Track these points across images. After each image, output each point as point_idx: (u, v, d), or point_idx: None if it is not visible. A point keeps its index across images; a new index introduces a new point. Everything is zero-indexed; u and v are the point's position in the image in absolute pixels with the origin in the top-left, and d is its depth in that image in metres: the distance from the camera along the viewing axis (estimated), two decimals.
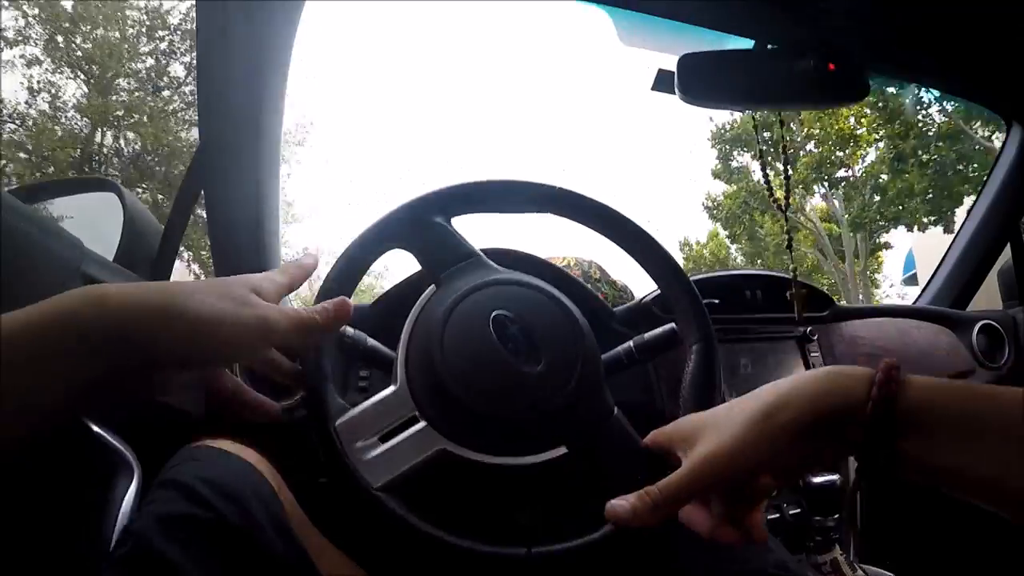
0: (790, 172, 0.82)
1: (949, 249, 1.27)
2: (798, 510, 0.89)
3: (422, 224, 0.58)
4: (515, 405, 0.51)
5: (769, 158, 0.85)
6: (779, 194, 0.83)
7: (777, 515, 0.89)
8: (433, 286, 0.57)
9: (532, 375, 0.51)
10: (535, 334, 0.53)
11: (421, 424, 0.52)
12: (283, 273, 0.50)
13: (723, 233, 14.14)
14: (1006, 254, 1.26)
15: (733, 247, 14.26)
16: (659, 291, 0.65)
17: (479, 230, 0.65)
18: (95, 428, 0.59)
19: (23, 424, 0.33)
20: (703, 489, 0.43)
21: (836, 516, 0.81)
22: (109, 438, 0.60)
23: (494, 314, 0.53)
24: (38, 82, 8.78)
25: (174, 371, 0.42)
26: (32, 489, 0.59)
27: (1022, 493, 0.34)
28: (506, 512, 0.64)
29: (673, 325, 0.62)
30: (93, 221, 0.81)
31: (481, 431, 0.52)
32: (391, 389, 0.54)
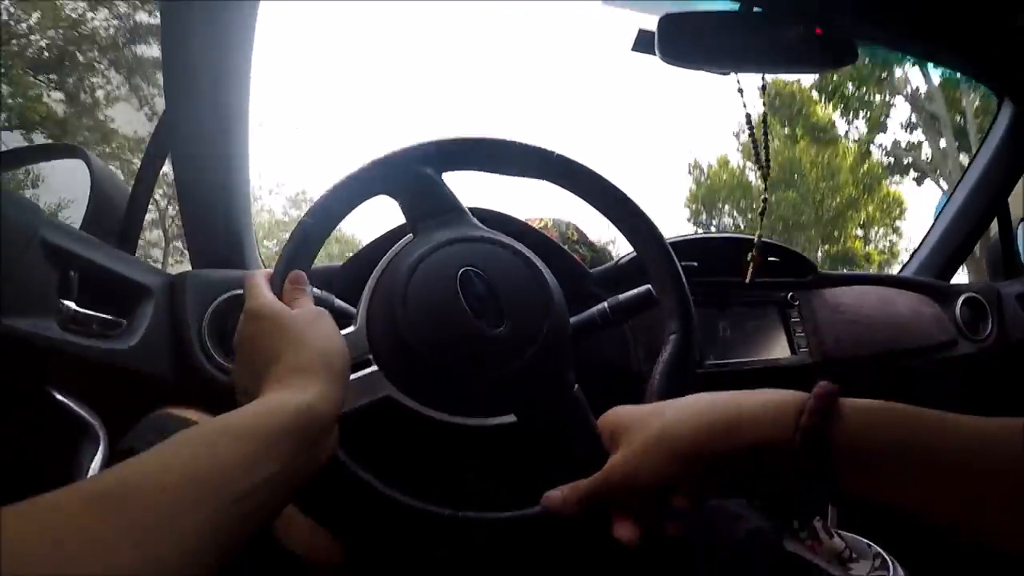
0: (769, 143, 0.81)
1: (936, 220, 1.27)
2: None
3: (412, 172, 0.57)
4: (468, 364, 0.50)
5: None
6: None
7: None
8: (410, 235, 0.57)
9: (491, 336, 0.50)
10: (502, 296, 0.52)
11: (372, 368, 0.52)
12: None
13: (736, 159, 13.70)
14: (993, 228, 1.26)
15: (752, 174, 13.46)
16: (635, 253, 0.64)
17: (457, 187, 0.64)
18: (59, 396, 0.58)
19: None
20: (615, 497, 0.42)
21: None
22: (73, 406, 0.59)
23: (463, 270, 0.52)
24: None
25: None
26: None
27: (979, 526, 0.31)
28: (448, 472, 0.63)
29: (649, 287, 0.61)
30: (60, 188, 0.79)
31: (430, 385, 0.52)
32: (350, 329, 0.53)
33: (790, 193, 12.07)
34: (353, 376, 0.50)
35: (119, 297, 0.66)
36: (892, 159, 11.16)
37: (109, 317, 0.64)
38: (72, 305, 0.60)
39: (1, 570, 0.21)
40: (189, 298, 0.70)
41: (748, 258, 0.86)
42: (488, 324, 0.51)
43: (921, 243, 1.29)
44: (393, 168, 0.56)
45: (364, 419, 0.51)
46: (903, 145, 10.85)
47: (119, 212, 0.77)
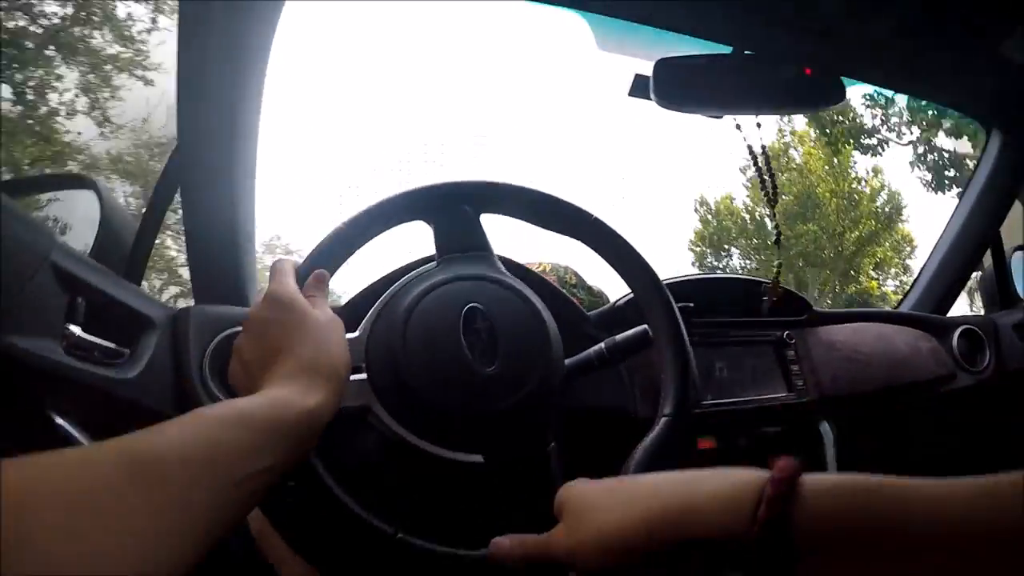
0: (773, 172, 0.83)
1: (930, 255, 1.28)
2: None
3: (453, 205, 0.59)
4: (453, 396, 0.52)
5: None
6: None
7: None
8: (434, 264, 0.59)
9: (481, 375, 0.52)
10: (501, 339, 0.53)
11: (361, 376, 0.53)
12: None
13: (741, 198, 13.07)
14: (987, 260, 1.27)
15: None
16: (633, 295, 0.65)
17: None
18: (58, 419, 0.58)
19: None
20: (555, 566, 0.40)
21: None
22: (72, 430, 0.59)
23: (469, 306, 0.53)
24: None
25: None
26: None
27: None
28: (410, 495, 0.62)
29: (645, 327, 0.62)
30: (70, 217, 0.81)
31: (412, 407, 0.52)
32: (352, 335, 0.54)
33: (809, 226, 11.61)
34: None
35: (123, 327, 0.67)
36: (932, 173, 10.55)
37: (112, 345, 0.65)
38: (77, 330, 0.60)
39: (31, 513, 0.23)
40: (192, 333, 0.71)
41: (763, 292, 0.87)
42: (481, 362, 0.52)
43: (917, 278, 1.30)
44: (438, 198, 0.59)
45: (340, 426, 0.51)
46: (947, 156, 10.22)
47: (126, 243, 0.79)
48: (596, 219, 0.62)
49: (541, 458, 0.54)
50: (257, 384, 0.43)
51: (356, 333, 0.55)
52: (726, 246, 12.91)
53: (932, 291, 1.26)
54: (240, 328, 0.72)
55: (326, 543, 0.65)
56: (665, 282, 0.63)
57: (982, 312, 1.35)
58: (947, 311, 1.26)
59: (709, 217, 12.94)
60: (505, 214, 0.62)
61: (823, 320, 1.02)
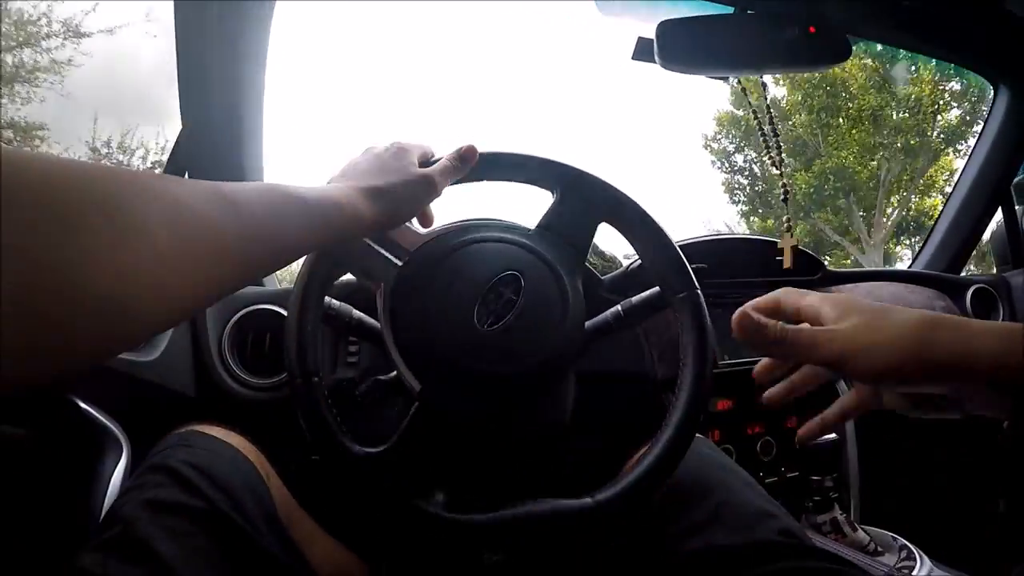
0: (777, 131, 0.82)
1: (941, 214, 1.27)
2: (796, 473, 0.89)
3: (584, 196, 0.60)
4: (458, 352, 0.52)
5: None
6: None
7: (775, 478, 0.89)
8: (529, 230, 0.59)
9: (475, 331, 0.52)
10: (520, 311, 0.53)
11: (398, 262, 0.54)
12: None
13: None
14: (998, 218, 1.26)
15: None
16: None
17: (461, 199, 0.65)
18: (83, 405, 0.59)
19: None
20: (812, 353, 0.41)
21: (834, 476, 0.81)
22: (97, 415, 0.60)
23: (509, 272, 0.54)
24: None
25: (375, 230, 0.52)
26: (21, 463, 0.59)
27: None
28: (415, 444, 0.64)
29: (658, 288, 0.62)
30: None
31: (400, 318, 0.53)
32: (423, 229, 0.57)
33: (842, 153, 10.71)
34: (381, 251, 0.54)
35: None
36: None
37: None
38: None
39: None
40: (209, 313, 0.72)
41: (779, 245, 0.87)
42: (485, 322, 0.52)
43: (928, 237, 1.29)
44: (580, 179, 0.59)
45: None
46: None
47: None
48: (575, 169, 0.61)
49: (552, 424, 0.54)
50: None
51: (424, 230, 0.57)
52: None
53: (945, 249, 1.25)
54: (254, 307, 0.73)
55: (353, 518, 0.66)
56: (679, 243, 0.63)
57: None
58: (960, 270, 1.25)
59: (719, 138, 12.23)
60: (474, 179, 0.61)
61: (837, 279, 1.01)
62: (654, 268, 0.60)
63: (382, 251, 0.55)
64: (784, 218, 0.86)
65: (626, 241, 0.63)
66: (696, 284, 0.59)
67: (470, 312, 0.52)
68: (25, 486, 0.62)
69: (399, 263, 0.54)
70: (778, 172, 0.81)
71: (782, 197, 0.85)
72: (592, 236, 0.59)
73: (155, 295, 0.28)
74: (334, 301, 0.61)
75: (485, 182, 0.59)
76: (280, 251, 0.39)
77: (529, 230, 0.58)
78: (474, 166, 0.56)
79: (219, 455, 0.56)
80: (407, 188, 0.50)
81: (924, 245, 1.30)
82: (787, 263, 0.86)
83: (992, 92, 1.18)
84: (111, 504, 0.52)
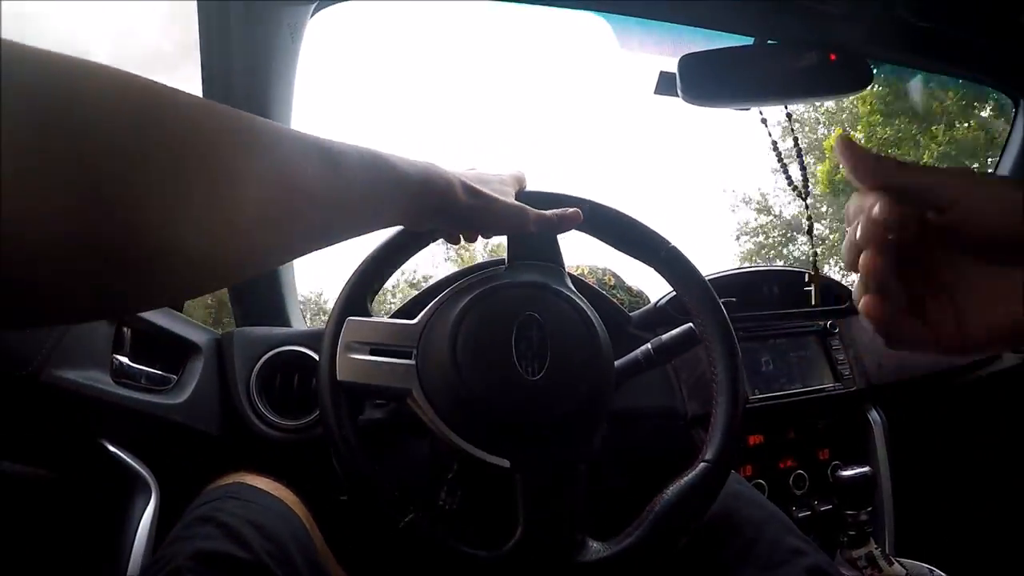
0: (804, 162, 0.82)
1: None
2: (830, 506, 0.87)
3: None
4: (496, 397, 0.51)
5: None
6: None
7: (808, 512, 0.87)
8: (503, 267, 0.59)
9: (526, 383, 0.51)
10: (551, 352, 0.53)
11: (410, 361, 0.53)
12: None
13: None
14: None
15: None
16: (674, 293, 0.64)
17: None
18: (111, 448, 0.59)
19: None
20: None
21: (869, 509, 0.80)
22: (126, 458, 0.60)
23: (527, 314, 0.53)
24: None
25: (456, 229, 0.54)
26: (49, 507, 0.59)
27: None
28: (426, 482, 0.62)
29: (690, 325, 0.61)
30: None
31: (444, 402, 0.52)
32: (411, 321, 0.55)
33: None
34: (391, 359, 0.53)
35: (169, 353, 0.68)
36: None
37: (159, 372, 0.66)
38: (125, 360, 0.61)
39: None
40: (237, 355, 0.72)
41: (806, 279, 0.86)
42: (528, 371, 0.52)
43: None
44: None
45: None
46: None
47: None
48: (671, 246, 0.62)
49: (571, 474, 0.53)
50: None
51: (415, 320, 0.55)
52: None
53: None
54: (282, 349, 0.73)
55: (376, 563, 0.65)
56: (708, 278, 0.62)
57: None
58: None
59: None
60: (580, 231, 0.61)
61: None
62: (688, 304, 0.60)
63: (389, 360, 0.55)
64: (810, 252, 0.86)
65: (655, 277, 0.63)
66: (728, 319, 0.59)
67: (511, 364, 0.51)
68: (54, 529, 0.62)
69: (412, 363, 0.54)
70: (804, 205, 0.81)
71: (807, 230, 0.85)
72: (556, 244, 0.60)
73: (239, 245, 0.27)
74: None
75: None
76: (371, 217, 0.39)
77: (503, 263, 0.58)
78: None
79: (268, 508, 0.56)
80: (502, 207, 0.50)
81: None
82: (815, 300, 0.85)
83: (1013, 108, 1.16)
84: (155, 551, 0.51)
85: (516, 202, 0.52)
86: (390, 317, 0.62)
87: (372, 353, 0.54)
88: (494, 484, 0.55)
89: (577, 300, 0.56)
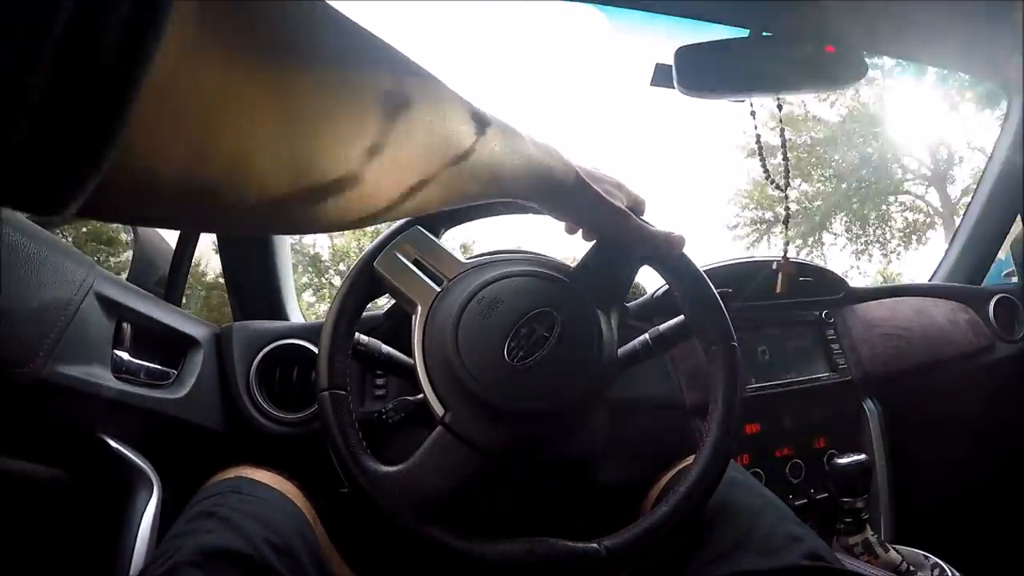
0: (788, 155, 0.83)
1: (960, 224, 1.26)
2: (826, 494, 0.88)
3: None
4: (484, 385, 0.51)
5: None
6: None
7: (805, 500, 0.88)
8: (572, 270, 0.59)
9: (505, 366, 0.51)
10: (550, 349, 0.53)
11: (437, 288, 0.55)
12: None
13: None
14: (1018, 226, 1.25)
15: None
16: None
17: (484, 233, 0.65)
18: (113, 443, 0.59)
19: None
20: None
21: (865, 496, 0.80)
22: (127, 453, 0.60)
23: (540, 310, 0.53)
24: None
25: (559, 216, 0.53)
26: (51, 503, 0.59)
27: None
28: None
29: (682, 317, 0.61)
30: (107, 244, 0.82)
31: (446, 378, 0.53)
32: (463, 260, 0.58)
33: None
34: (422, 276, 0.56)
35: (169, 348, 0.68)
36: None
37: (159, 367, 0.66)
38: (125, 355, 0.61)
39: None
40: (236, 349, 0.72)
41: (775, 267, 0.87)
42: (515, 357, 0.52)
43: (948, 249, 1.28)
44: None
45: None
46: None
47: (162, 265, 0.80)
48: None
49: (580, 456, 0.54)
50: None
51: (465, 260, 0.57)
52: None
53: (964, 261, 1.24)
54: (281, 343, 0.73)
55: (379, 561, 0.65)
56: (703, 269, 0.62)
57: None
58: (981, 281, 1.24)
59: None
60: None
61: (860, 297, 1.01)
62: (687, 306, 0.60)
63: (422, 276, 0.56)
64: (784, 242, 0.86)
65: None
66: (724, 310, 0.59)
67: (500, 346, 0.52)
68: (56, 526, 0.62)
69: (437, 289, 0.55)
70: (783, 194, 0.81)
71: (783, 220, 0.85)
72: (632, 279, 0.59)
73: (393, 191, 0.28)
74: (363, 336, 0.61)
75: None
76: (495, 187, 0.39)
77: (569, 268, 0.58)
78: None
79: (270, 502, 0.56)
80: (606, 206, 0.50)
81: (944, 257, 1.29)
82: (780, 288, 0.86)
83: (1007, 101, 1.17)
84: (157, 546, 0.52)
85: (621, 206, 0.51)
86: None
87: (414, 264, 0.56)
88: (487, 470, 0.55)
89: (603, 330, 0.56)
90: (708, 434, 0.56)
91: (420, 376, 0.53)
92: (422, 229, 0.58)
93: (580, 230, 0.58)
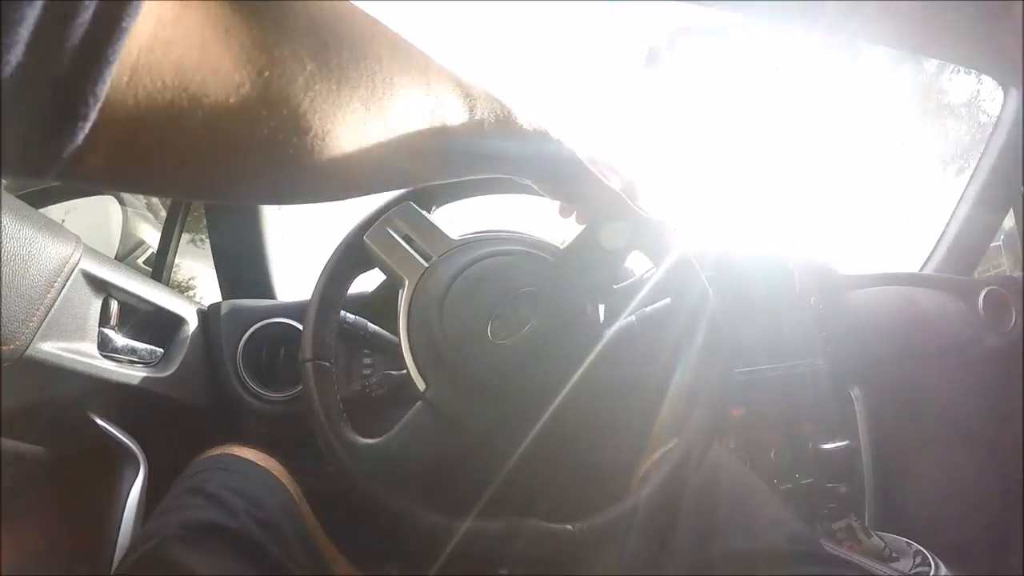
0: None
1: (952, 216, 1.26)
2: (810, 479, 0.89)
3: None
4: (466, 361, 0.52)
5: None
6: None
7: (789, 485, 0.89)
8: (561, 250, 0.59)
9: (500, 347, 0.51)
10: (534, 325, 0.53)
11: (425, 263, 0.55)
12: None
13: None
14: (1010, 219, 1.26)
15: None
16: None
17: (474, 215, 0.65)
18: (100, 422, 0.59)
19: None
20: None
21: (849, 482, 0.81)
22: (114, 431, 0.60)
23: (523, 290, 0.53)
24: None
25: (552, 195, 0.50)
26: (39, 480, 0.60)
27: None
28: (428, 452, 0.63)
29: (668, 300, 0.61)
30: (95, 223, 0.81)
31: (428, 353, 0.53)
32: (454, 237, 0.57)
33: None
34: (412, 251, 0.55)
35: (156, 326, 0.68)
36: None
37: (147, 346, 0.66)
38: (112, 333, 0.61)
39: None
40: (223, 328, 0.72)
41: (791, 265, 0.86)
42: (499, 335, 0.52)
43: (939, 239, 1.28)
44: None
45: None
46: None
47: (150, 245, 0.79)
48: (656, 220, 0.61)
49: (570, 431, 0.54)
50: None
51: (455, 237, 0.57)
52: None
53: (955, 251, 1.24)
54: (268, 321, 0.73)
55: (367, 542, 0.66)
56: (692, 253, 0.62)
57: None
58: (972, 271, 1.24)
59: None
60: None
61: (849, 285, 1.01)
62: (671, 284, 0.60)
63: (411, 251, 0.56)
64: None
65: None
66: (710, 294, 0.59)
67: (484, 323, 0.52)
68: (44, 503, 0.62)
69: (425, 264, 0.55)
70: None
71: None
72: (622, 263, 0.59)
73: (375, 161, 0.28)
74: (348, 315, 0.61)
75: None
76: (487, 161, 0.39)
77: (558, 249, 0.58)
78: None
79: (256, 478, 0.56)
80: (603, 190, 0.49)
81: (935, 247, 1.29)
82: (798, 288, 0.86)
83: (1003, 94, 1.17)
84: (144, 522, 0.52)
85: (616, 190, 0.50)
86: None
87: (404, 239, 0.56)
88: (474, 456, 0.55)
89: (587, 312, 0.56)
90: (689, 419, 0.56)
91: (404, 350, 0.54)
92: (414, 205, 0.58)
93: (574, 213, 0.58)
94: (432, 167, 0.34)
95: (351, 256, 0.57)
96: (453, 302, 0.52)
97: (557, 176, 0.46)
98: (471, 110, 0.34)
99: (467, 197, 0.63)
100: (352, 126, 0.26)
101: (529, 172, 0.44)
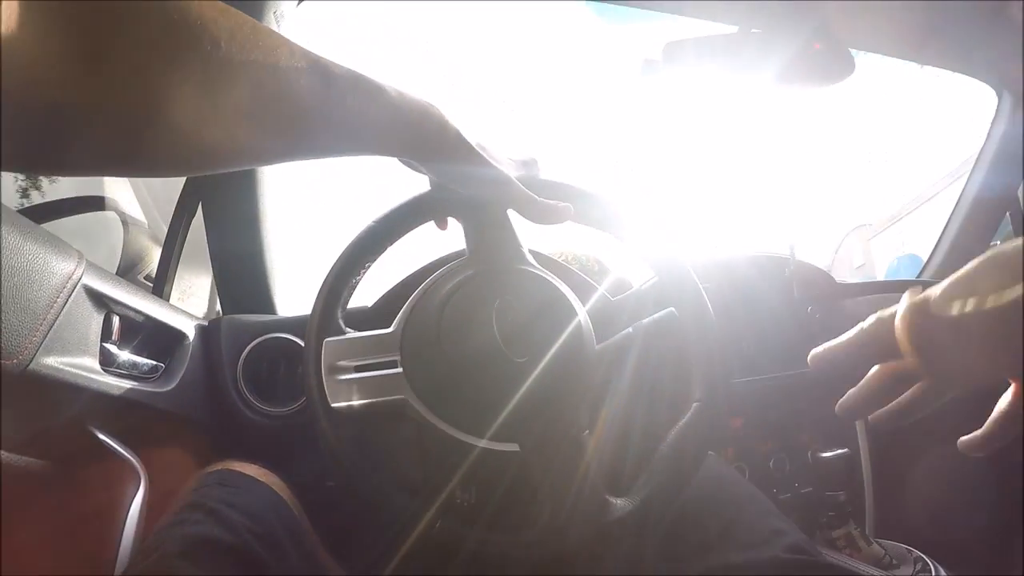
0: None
1: (948, 222, 1.27)
2: (810, 488, 0.89)
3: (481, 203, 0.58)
4: (487, 387, 0.51)
5: None
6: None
7: (788, 494, 0.89)
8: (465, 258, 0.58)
9: (513, 365, 0.51)
10: (534, 332, 0.53)
11: (397, 370, 0.53)
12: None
13: None
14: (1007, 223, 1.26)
15: None
16: (657, 278, 0.65)
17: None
18: (101, 436, 0.59)
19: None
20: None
21: (848, 490, 0.81)
22: (115, 445, 0.60)
23: (501, 300, 0.53)
24: None
25: (440, 177, 0.50)
26: (39, 495, 0.60)
27: None
28: (436, 479, 0.62)
29: (672, 309, 0.62)
30: (96, 239, 0.82)
31: (445, 401, 0.52)
32: (387, 330, 0.55)
33: None
34: (378, 372, 0.52)
35: (157, 341, 0.69)
36: None
37: (148, 361, 0.66)
38: (113, 348, 0.62)
39: None
40: (224, 343, 0.72)
41: (787, 273, 0.87)
42: (514, 353, 0.52)
43: (936, 246, 1.29)
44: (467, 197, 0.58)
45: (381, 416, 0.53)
46: None
47: (151, 260, 0.80)
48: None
49: (576, 444, 0.54)
50: None
51: (391, 328, 0.55)
52: None
53: (953, 258, 1.24)
54: (269, 336, 0.74)
55: (364, 554, 0.66)
56: (689, 262, 0.63)
57: None
58: None
59: None
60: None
61: (846, 293, 1.01)
62: (669, 294, 0.60)
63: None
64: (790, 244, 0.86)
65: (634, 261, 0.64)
66: (708, 305, 0.60)
67: (499, 352, 0.51)
68: (44, 518, 0.63)
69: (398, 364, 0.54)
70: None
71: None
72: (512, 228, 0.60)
73: (222, 133, 0.30)
74: (349, 330, 0.61)
75: None
76: (363, 139, 0.40)
77: (466, 256, 0.58)
78: (379, 238, 0.56)
79: (256, 494, 0.57)
80: (490, 170, 0.49)
81: (933, 253, 1.29)
82: (796, 292, 0.86)
83: (996, 99, 1.18)
84: (144, 538, 0.52)
85: (506, 172, 0.50)
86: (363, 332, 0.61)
87: (357, 371, 0.53)
88: (504, 471, 0.55)
89: (546, 275, 0.57)
90: (687, 430, 0.56)
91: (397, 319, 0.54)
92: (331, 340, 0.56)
93: (446, 224, 0.58)
94: (294, 145, 0.36)
95: (333, 303, 0.57)
96: (454, 351, 0.52)
97: (437, 150, 0.46)
98: (327, 87, 0.35)
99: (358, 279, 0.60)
100: (190, 107, 0.28)
101: (405, 147, 0.44)
